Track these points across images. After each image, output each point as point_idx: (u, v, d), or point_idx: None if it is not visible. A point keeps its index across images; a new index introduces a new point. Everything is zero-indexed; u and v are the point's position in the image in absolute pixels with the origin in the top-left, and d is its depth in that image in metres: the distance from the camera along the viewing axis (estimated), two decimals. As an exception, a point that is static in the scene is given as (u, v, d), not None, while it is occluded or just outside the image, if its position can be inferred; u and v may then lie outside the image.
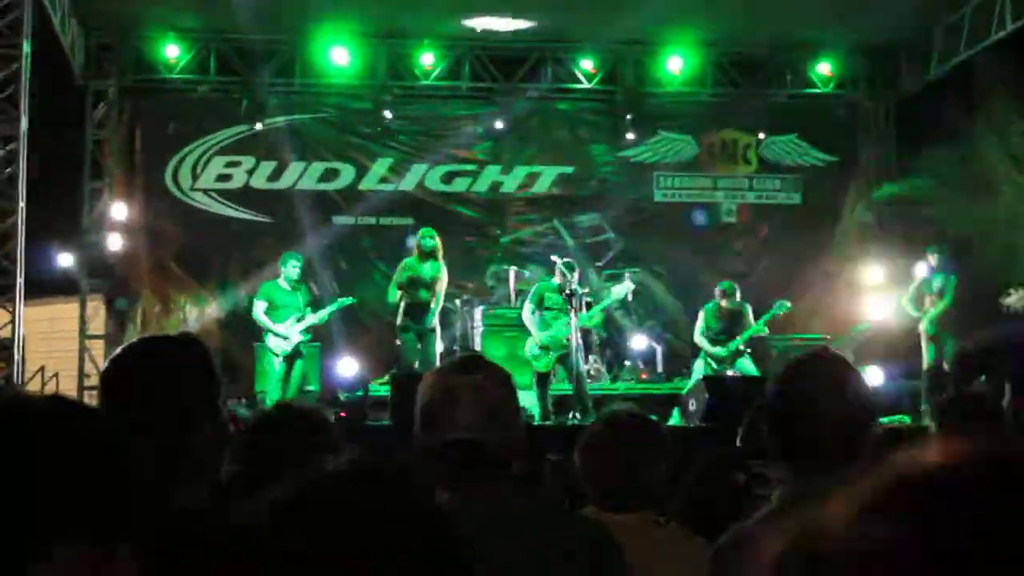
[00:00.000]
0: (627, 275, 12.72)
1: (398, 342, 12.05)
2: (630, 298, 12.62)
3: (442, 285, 11.53)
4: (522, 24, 14.05)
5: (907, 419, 9.62)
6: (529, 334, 11.46)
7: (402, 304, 11.43)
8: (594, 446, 3.54)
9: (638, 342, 14.35)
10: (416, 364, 11.20)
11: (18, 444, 1.38)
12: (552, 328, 11.19)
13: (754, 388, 10.11)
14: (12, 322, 12.17)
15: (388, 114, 15.13)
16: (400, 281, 11.49)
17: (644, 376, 14.06)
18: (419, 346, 11.35)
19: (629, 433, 3.51)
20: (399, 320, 11.49)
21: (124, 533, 1.41)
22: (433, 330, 11.48)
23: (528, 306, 11.50)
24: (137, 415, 2.18)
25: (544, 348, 11.23)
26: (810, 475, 2.72)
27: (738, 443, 5.87)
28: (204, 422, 2.32)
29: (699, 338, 12.33)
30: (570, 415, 11.02)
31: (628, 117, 15.35)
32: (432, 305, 11.42)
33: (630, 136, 15.53)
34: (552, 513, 2.61)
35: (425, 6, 13.58)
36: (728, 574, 2.73)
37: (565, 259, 11.44)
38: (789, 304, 12.39)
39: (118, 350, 2.33)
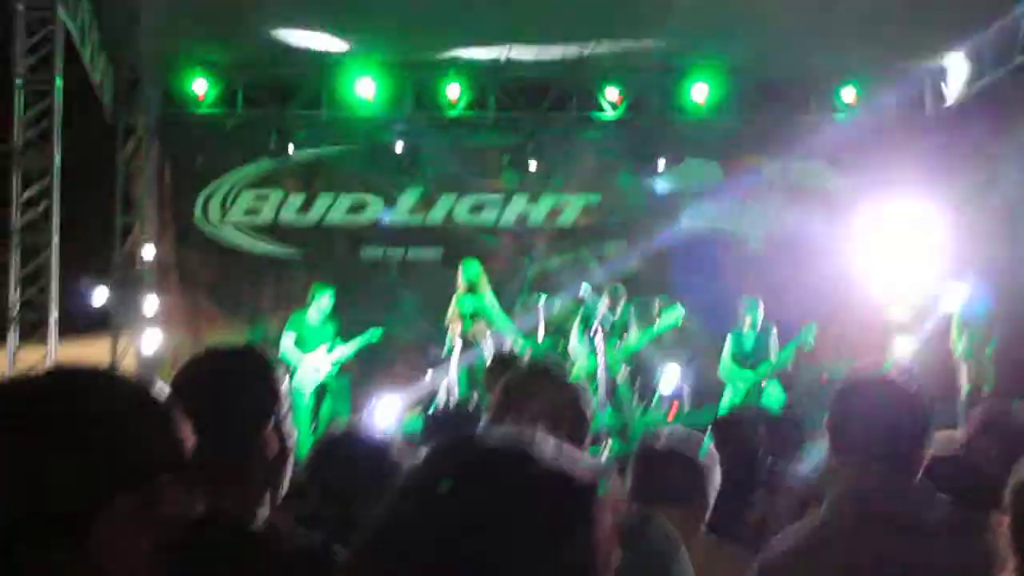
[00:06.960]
0: (678, 305, 12.42)
1: (435, 375, 11.99)
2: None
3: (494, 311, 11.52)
4: (547, 54, 14.06)
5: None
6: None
7: (457, 338, 11.36)
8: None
9: (668, 382, 13.16)
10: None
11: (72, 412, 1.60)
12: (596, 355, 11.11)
13: (772, 427, 9.90)
14: (45, 358, 12.22)
15: (399, 148, 15.20)
16: (456, 315, 11.44)
17: (675, 408, 13.90)
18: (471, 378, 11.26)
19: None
20: (455, 353, 11.38)
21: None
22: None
23: (575, 333, 11.49)
24: (199, 421, 2.22)
25: (591, 376, 11.00)
26: (862, 480, 2.78)
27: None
28: (262, 433, 2.33)
29: (726, 364, 12.29)
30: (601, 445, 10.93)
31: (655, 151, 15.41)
32: (480, 337, 11.38)
33: (656, 164, 15.57)
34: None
35: (450, 38, 13.63)
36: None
37: (611, 284, 11.48)
38: (815, 328, 12.33)
39: (187, 358, 2.37)
